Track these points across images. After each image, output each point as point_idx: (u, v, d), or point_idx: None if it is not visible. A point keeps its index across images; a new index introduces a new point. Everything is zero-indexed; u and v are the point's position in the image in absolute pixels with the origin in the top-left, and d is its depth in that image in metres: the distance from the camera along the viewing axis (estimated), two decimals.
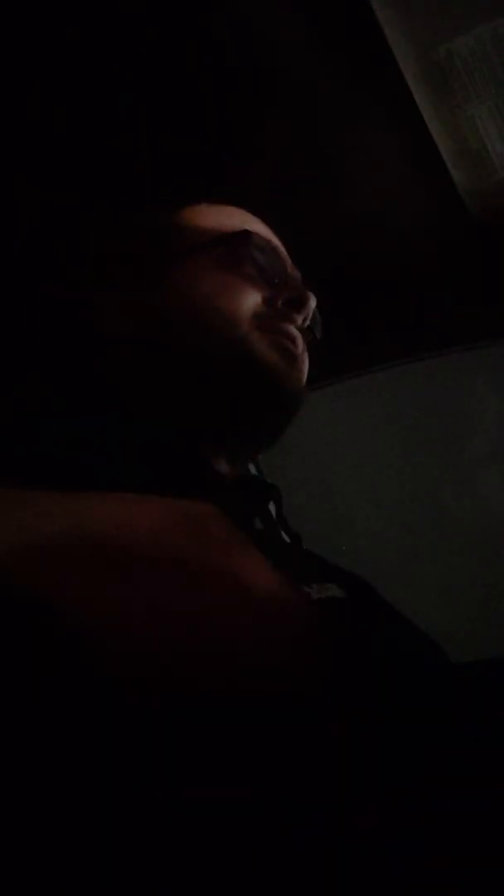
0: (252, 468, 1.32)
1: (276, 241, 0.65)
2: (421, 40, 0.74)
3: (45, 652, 0.26)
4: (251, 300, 0.58)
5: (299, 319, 0.60)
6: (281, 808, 0.27)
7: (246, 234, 0.60)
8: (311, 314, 0.61)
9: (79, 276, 0.65)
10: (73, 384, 0.59)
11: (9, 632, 0.26)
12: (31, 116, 0.81)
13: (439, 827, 0.33)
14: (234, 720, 0.26)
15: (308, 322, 0.61)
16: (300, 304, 0.60)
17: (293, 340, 0.59)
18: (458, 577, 1.55)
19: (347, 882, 0.29)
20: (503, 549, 1.46)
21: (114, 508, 0.32)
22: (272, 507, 0.65)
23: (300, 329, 0.60)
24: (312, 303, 0.61)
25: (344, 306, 1.02)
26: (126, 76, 0.79)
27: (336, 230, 0.94)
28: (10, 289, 0.94)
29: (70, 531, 0.29)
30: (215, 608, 0.28)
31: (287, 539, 0.68)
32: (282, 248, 0.65)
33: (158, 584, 0.28)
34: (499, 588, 1.43)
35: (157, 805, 0.26)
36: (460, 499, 1.57)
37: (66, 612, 0.27)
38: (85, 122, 0.82)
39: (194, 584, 0.29)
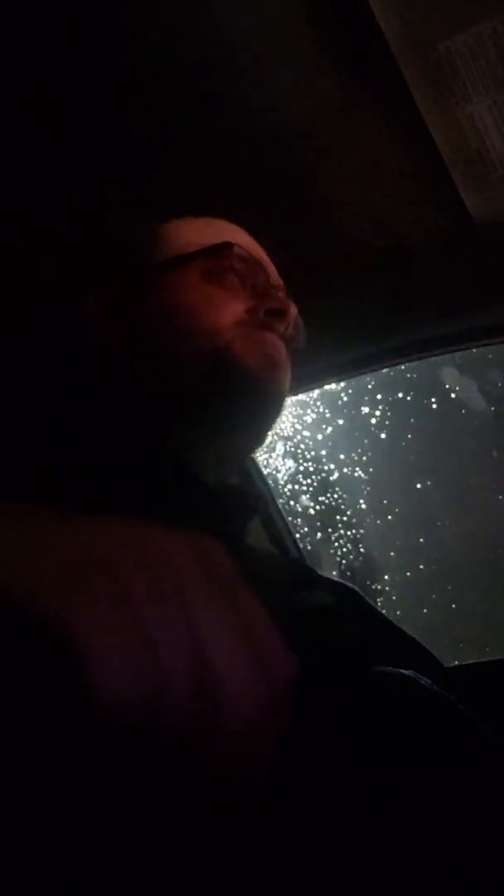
0: (252, 468, 1.31)
1: (258, 251, 0.66)
2: (420, 38, 0.73)
3: (51, 682, 0.27)
4: (233, 310, 0.59)
5: (281, 328, 0.61)
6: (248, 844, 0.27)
7: (228, 246, 0.61)
8: (292, 323, 0.62)
9: (71, 289, 0.67)
10: (68, 398, 0.60)
11: (21, 658, 0.27)
12: (26, 121, 0.81)
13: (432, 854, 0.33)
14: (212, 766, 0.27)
15: (290, 331, 0.63)
16: (281, 314, 0.61)
17: (275, 347, 0.60)
18: (451, 585, 1.55)
19: None
20: (495, 544, 1.47)
21: (128, 538, 0.33)
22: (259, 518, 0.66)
23: (282, 337, 0.62)
24: (293, 312, 0.62)
25: (343, 305, 1.02)
26: (121, 82, 0.79)
27: (334, 229, 0.94)
28: (6, 301, 0.95)
29: (87, 561, 0.30)
30: (215, 654, 0.29)
31: (274, 548, 0.69)
32: (265, 259, 0.67)
33: (167, 624, 0.29)
34: (494, 584, 1.43)
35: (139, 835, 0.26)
36: (453, 493, 1.58)
37: (76, 645, 0.27)
38: (77, 130, 0.82)
39: (199, 625, 0.30)
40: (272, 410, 0.62)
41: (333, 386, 1.20)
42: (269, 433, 0.64)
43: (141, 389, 0.59)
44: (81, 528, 0.32)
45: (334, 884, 0.31)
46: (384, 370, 1.16)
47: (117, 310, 0.61)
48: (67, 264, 0.74)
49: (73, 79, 0.79)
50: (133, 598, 0.29)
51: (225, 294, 0.60)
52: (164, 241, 0.63)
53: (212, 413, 0.58)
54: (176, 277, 0.60)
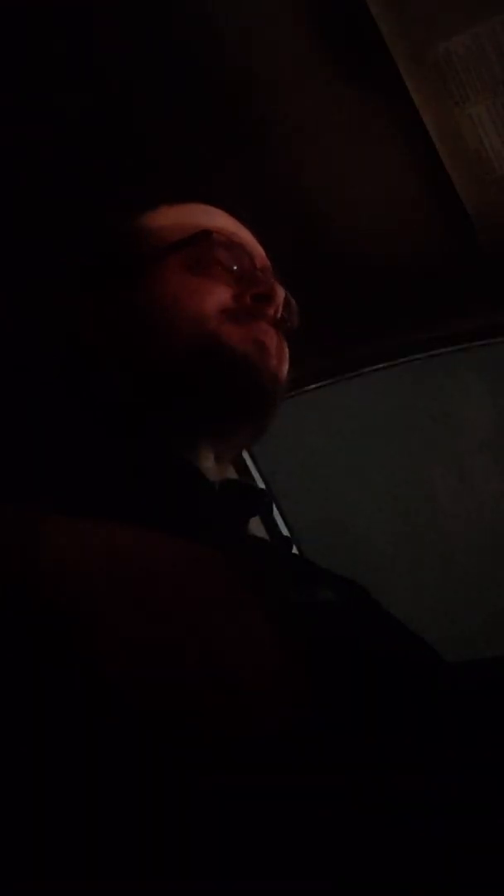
0: (251, 466, 1.32)
1: (241, 233, 0.64)
2: (418, 40, 0.73)
3: (63, 669, 0.27)
4: (219, 298, 0.58)
5: (269, 312, 0.60)
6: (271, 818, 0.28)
7: (206, 234, 0.60)
8: (281, 306, 0.61)
9: (62, 288, 0.66)
10: (64, 397, 0.60)
11: (36, 648, 0.27)
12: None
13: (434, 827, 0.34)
14: (228, 746, 0.27)
15: (280, 313, 0.61)
16: (269, 298, 0.60)
17: (265, 332, 0.59)
18: (454, 567, 1.56)
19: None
20: (495, 539, 1.47)
21: (140, 545, 0.33)
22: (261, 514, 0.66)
23: (273, 321, 0.60)
24: (281, 294, 0.61)
25: (343, 305, 1.02)
26: (117, 75, 0.79)
27: (333, 229, 0.94)
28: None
29: (103, 565, 0.31)
30: (217, 651, 0.30)
31: (277, 543, 0.69)
32: (249, 241, 0.65)
33: (171, 623, 0.30)
34: (493, 578, 1.43)
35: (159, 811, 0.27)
36: (454, 495, 1.58)
37: (88, 638, 0.28)
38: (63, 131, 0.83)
39: (201, 627, 0.30)
40: (268, 397, 0.60)
41: (333, 385, 1.20)
42: (269, 423, 0.63)
43: (136, 386, 0.59)
44: (83, 527, 0.33)
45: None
46: (384, 369, 1.16)
47: (109, 307, 0.61)
48: (65, 264, 0.74)
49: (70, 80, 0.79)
50: (134, 592, 0.30)
51: (209, 283, 0.59)
52: (143, 234, 0.62)
53: (207, 404, 0.58)
54: (159, 270, 0.59)
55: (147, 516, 0.40)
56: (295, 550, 1.37)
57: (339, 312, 1.03)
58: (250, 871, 0.27)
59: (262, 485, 1.33)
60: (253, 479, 1.32)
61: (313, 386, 1.21)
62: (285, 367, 0.62)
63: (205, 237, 0.60)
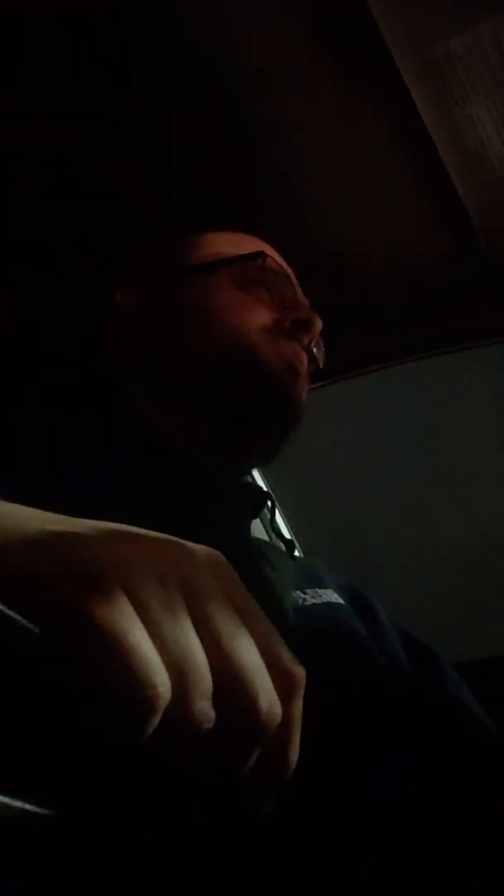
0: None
1: (288, 269, 0.68)
2: (418, 39, 0.73)
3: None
4: (261, 316, 0.61)
5: (305, 340, 0.63)
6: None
7: (261, 256, 0.63)
8: (316, 337, 0.64)
9: (97, 282, 0.68)
10: (83, 389, 0.61)
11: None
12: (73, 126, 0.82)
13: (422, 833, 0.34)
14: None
15: (313, 346, 0.64)
16: (307, 326, 0.63)
17: (298, 358, 0.61)
18: (450, 585, 1.55)
19: None
20: (494, 561, 1.46)
21: (144, 547, 0.33)
22: (265, 516, 0.68)
23: (306, 350, 0.63)
24: (319, 326, 0.64)
25: (344, 304, 1.02)
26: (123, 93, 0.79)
27: (332, 229, 0.94)
28: (28, 296, 0.96)
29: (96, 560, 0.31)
30: (221, 657, 0.29)
31: (281, 545, 0.70)
32: (293, 277, 0.68)
33: (173, 626, 0.30)
34: (490, 598, 1.43)
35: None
36: (455, 494, 1.58)
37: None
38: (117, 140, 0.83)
39: (205, 629, 0.30)
40: (288, 419, 0.63)
41: (333, 385, 1.20)
42: (282, 444, 0.65)
43: (160, 382, 0.60)
44: (83, 526, 0.33)
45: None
46: (384, 369, 1.16)
47: (145, 306, 0.63)
48: (102, 262, 0.76)
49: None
50: (138, 594, 0.30)
51: (253, 301, 0.62)
52: (199, 248, 0.66)
53: (229, 410, 0.59)
54: (208, 280, 0.63)
55: (148, 513, 0.40)
56: (297, 552, 1.37)
57: (339, 312, 1.03)
58: (250, 873, 0.27)
59: (264, 486, 1.33)
60: (255, 481, 1.32)
61: (313, 386, 1.21)
62: (305, 400, 0.64)
63: (260, 258, 0.63)
